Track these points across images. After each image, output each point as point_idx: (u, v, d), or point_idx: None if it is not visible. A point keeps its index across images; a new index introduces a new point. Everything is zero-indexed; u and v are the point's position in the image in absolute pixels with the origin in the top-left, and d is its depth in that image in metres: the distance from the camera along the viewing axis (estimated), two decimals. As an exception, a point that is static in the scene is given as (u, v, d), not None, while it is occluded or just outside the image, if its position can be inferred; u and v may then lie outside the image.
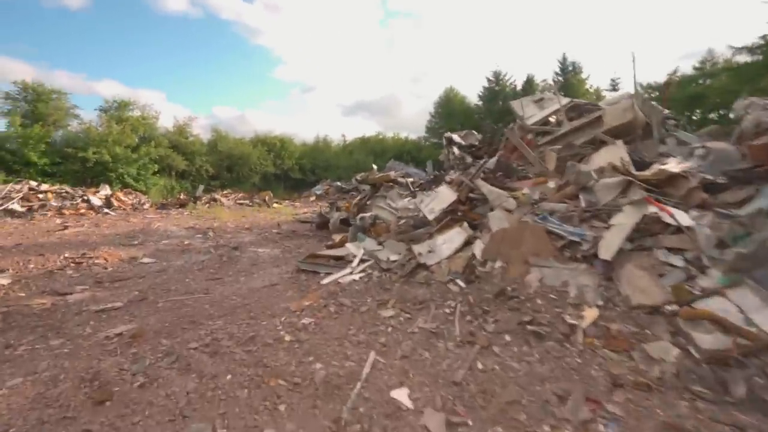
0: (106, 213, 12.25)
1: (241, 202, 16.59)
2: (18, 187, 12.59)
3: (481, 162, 5.05)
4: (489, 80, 34.17)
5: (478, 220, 4.33)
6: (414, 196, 5.92)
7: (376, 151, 30.95)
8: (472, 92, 41.17)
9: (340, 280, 3.94)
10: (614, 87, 31.40)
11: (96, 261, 4.86)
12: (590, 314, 2.65)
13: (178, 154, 20.56)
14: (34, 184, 13.45)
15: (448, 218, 4.32)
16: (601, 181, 3.90)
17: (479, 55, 66.46)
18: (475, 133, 8.37)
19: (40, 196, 12.57)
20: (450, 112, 33.94)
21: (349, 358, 2.34)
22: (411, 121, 49.25)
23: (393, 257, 4.37)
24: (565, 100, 5.87)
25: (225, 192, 18.29)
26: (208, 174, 22.01)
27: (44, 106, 18.27)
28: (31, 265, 4.67)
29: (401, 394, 1.95)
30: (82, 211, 12.20)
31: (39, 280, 4.13)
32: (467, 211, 4.51)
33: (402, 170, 23.15)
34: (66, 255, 5.14)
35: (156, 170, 19.25)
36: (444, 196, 4.95)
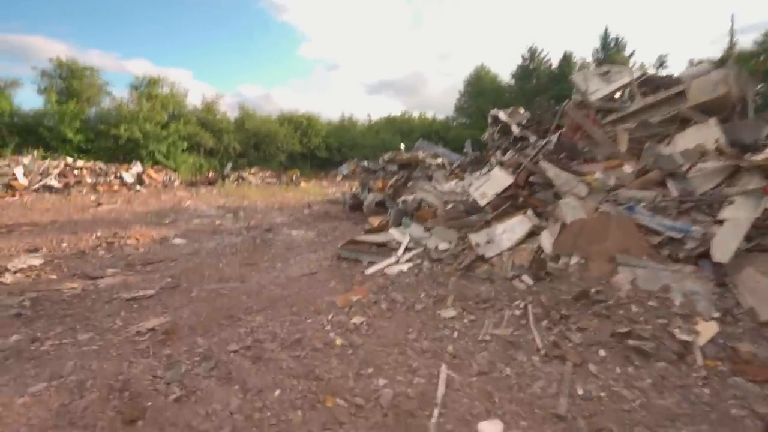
0: (138, 190, 12.34)
1: (269, 180, 16.47)
2: (55, 163, 12.82)
3: (542, 142, 4.48)
4: (523, 58, 32.31)
5: (541, 208, 3.82)
6: (460, 179, 5.43)
7: (402, 130, 30.16)
8: (503, 70, 39.07)
9: (386, 271, 3.56)
10: (662, 64, 29.11)
11: (128, 241, 4.67)
12: (707, 329, 2.16)
13: (206, 132, 20.57)
14: (70, 160, 13.69)
15: (507, 204, 3.83)
16: (697, 165, 3.30)
17: (511, 32, 63.00)
18: (522, 110, 7.67)
19: (76, 172, 12.78)
20: (480, 90, 32.47)
21: (415, 372, 1.96)
22: (437, 99, 47.75)
23: (443, 246, 3.94)
24: (636, 73, 5.14)
25: (252, 170, 18.21)
26: (236, 152, 21.99)
27: (78, 83, 18.48)
28: (64, 244, 4.53)
29: (494, 430, 1.56)
30: (115, 187, 12.33)
31: (71, 260, 3.96)
32: (527, 196, 4.00)
33: (431, 150, 22.40)
34: (98, 234, 4.99)
35: (185, 148, 19.34)
36: (498, 180, 4.44)
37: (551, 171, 3.86)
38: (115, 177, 13.24)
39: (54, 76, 18.48)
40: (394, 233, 4.30)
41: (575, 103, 5.92)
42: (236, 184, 14.63)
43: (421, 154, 20.66)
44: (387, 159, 21.86)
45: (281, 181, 16.14)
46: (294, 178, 16.61)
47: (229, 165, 18.11)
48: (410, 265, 3.65)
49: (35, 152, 13.34)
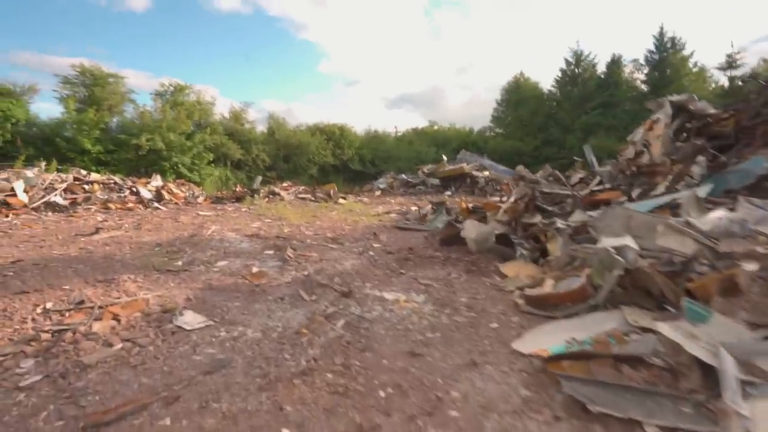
0: (156, 207, 10.41)
1: (303, 196, 14.38)
2: (64, 176, 11.10)
3: None
4: (567, 62, 29.74)
5: None
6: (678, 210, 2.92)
7: (438, 141, 28.08)
8: (542, 78, 36.41)
9: None
10: (731, 64, 25.80)
11: (93, 327, 2.42)
12: None
13: (233, 143, 18.86)
14: (83, 173, 11.99)
15: None
16: None
17: (533, 43, 60.35)
18: (696, 97, 5.15)
19: (86, 187, 11.01)
20: (520, 99, 30.16)
21: None
22: (456, 112, 46.46)
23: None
24: None
25: (284, 184, 16.18)
26: (264, 164, 20.20)
27: (100, 91, 17.16)
28: (-28, 333, 2.33)
29: None
30: (130, 204, 10.44)
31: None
32: None
33: (476, 162, 19.57)
34: (50, 304, 2.78)
35: (211, 159, 17.64)
36: None
37: None
38: (131, 192, 11.41)
39: (76, 83, 17.22)
40: (673, 335, 1.86)
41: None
42: (267, 200, 12.57)
43: (466, 167, 18.18)
44: (427, 172, 19.49)
45: (317, 198, 14.00)
46: (332, 194, 14.43)
47: (259, 179, 16.16)
48: None
49: (43, 164, 11.65)
